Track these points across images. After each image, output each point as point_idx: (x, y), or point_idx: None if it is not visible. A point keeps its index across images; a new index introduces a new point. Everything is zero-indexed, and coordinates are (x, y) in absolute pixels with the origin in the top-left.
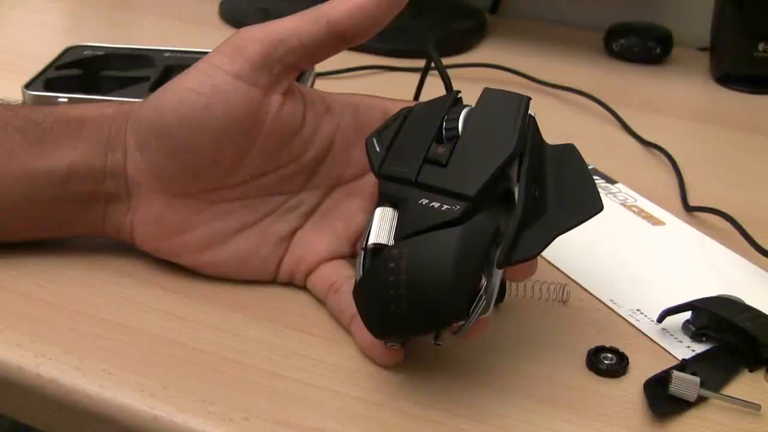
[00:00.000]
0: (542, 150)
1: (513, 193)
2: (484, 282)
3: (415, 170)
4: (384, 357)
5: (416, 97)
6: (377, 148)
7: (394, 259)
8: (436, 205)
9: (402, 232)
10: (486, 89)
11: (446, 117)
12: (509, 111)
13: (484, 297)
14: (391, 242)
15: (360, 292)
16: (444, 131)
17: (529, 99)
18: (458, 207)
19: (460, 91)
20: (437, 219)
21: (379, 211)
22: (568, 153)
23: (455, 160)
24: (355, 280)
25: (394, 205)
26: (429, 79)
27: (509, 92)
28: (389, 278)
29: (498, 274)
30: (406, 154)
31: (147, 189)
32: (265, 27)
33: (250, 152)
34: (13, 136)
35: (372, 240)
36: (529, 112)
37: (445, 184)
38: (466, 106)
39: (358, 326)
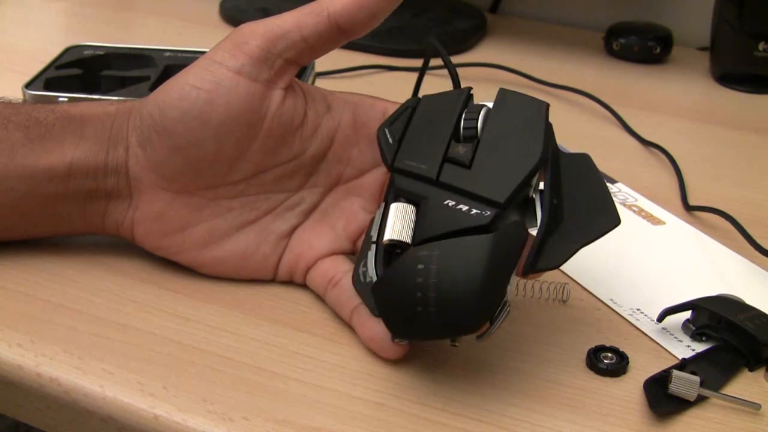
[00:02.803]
0: (558, 158)
1: (532, 200)
2: (510, 289)
3: (436, 169)
4: (390, 351)
5: (415, 95)
6: (390, 140)
7: (424, 261)
8: (464, 208)
9: (425, 232)
10: (502, 90)
11: (464, 116)
12: (530, 116)
13: (508, 303)
14: (409, 239)
15: (382, 288)
16: (462, 130)
17: (548, 105)
18: (488, 213)
19: (471, 88)
20: (466, 223)
21: (395, 206)
22: (584, 163)
23: (479, 162)
24: (356, 273)
25: (412, 201)
26: (428, 78)
27: (527, 96)
28: (417, 279)
29: (513, 278)
30: (422, 149)
31: (148, 186)
32: (266, 22)
33: (251, 148)
34: (15, 133)
35: (388, 236)
36: None
37: (472, 188)
38: (483, 105)
39: (360, 320)
